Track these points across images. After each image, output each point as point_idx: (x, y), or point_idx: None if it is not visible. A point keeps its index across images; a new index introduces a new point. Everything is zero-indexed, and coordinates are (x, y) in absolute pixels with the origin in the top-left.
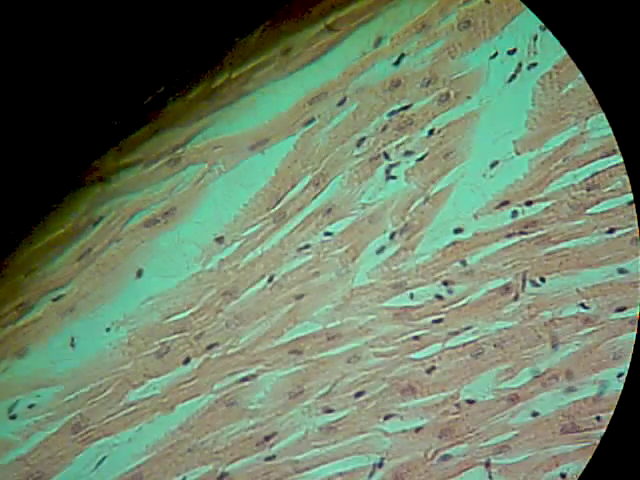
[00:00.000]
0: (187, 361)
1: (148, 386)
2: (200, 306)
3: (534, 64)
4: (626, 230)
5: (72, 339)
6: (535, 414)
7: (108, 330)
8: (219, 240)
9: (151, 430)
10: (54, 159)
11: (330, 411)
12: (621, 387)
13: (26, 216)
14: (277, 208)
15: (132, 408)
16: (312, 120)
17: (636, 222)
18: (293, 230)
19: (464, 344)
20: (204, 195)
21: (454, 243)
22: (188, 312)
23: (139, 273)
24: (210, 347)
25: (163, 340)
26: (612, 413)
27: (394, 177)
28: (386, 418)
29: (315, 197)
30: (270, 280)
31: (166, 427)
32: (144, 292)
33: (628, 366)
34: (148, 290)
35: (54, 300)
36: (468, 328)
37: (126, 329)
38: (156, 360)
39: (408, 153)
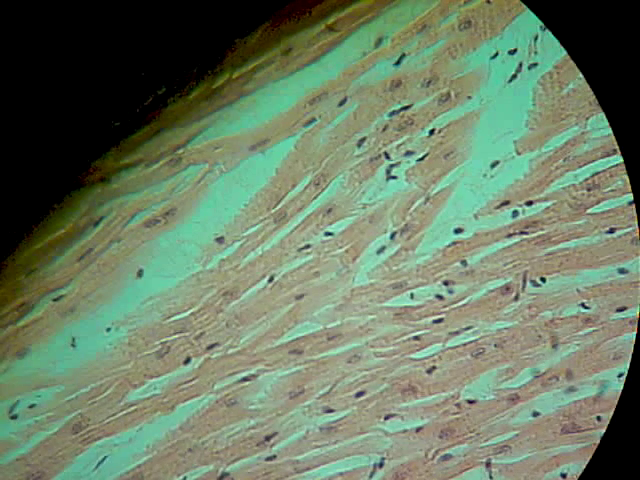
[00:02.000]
0: (188, 361)
1: (148, 386)
2: (200, 306)
3: (535, 64)
4: (626, 230)
5: (73, 339)
6: (535, 414)
7: (109, 330)
8: (219, 240)
9: (151, 430)
10: (54, 159)
11: (331, 411)
12: (621, 387)
13: (26, 216)
14: (277, 208)
15: (132, 408)
16: (313, 120)
17: (636, 222)
18: (293, 230)
19: (464, 344)
20: (204, 195)
21: (454, 243)
22: (188, 312)
23: (140, 273)
24: (210, 347)
25: (163, 340)
26: (612, 413)
27: (395, 177)
28: (387, 418)
29: (316, 197)
30: (270, 280)
31: (166, 427)
32: (144, 292)
33: (628, 366)
34: (149, 290)
35: (55, 300)
36: (468, 328)
37: (126, 329)
38: (156, 360)
39: (409, 153)
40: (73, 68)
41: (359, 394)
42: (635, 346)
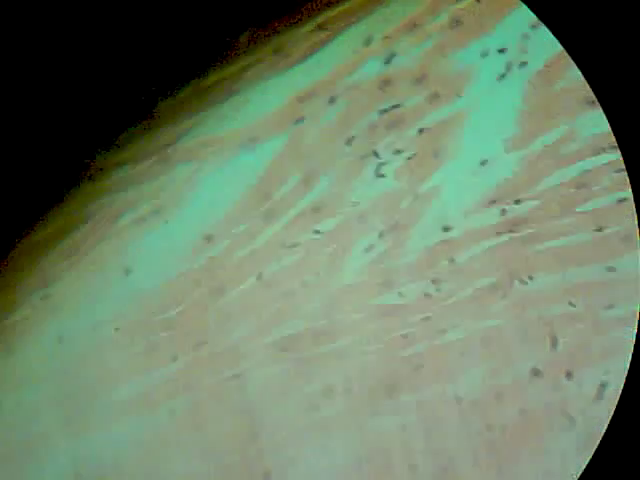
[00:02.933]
0: (175, 359)
1: (136, 384)
2: (188, 304)
3: (524, 63)
4: (616, 229)
5: (60, 337)
6: (530, 412)
7: (96, 328)
8: (208, 238)
9: (139, 428)
10: (45, 159)
11: (319, 409)
12: (621, 387)
13: (16, 215)
14: (266, 207)
15: (119, 406)
16: (302, 119)
17: (634, 220)
18: (282, 228)
19: (452, 341)
20: (193, 194)
21: (443, 241)
22: (176, 310)
23: (127, 271)
24: (198, 345)
25: (151, 338)
26: (612, 413)
27: (383, 175)
28: (375, 415)
29: (304, 195)
30: (259, 278)
31: (154, 425)
32: (132, 290)
33: (626, 365)
34: (136, 288)
35: (42, 298)
36: (456, 326)
37: (114, 327)
38: (144, 358)
39: (398, 151)
40: (63, 68)
41: (347, 392)
42: (635, 346)
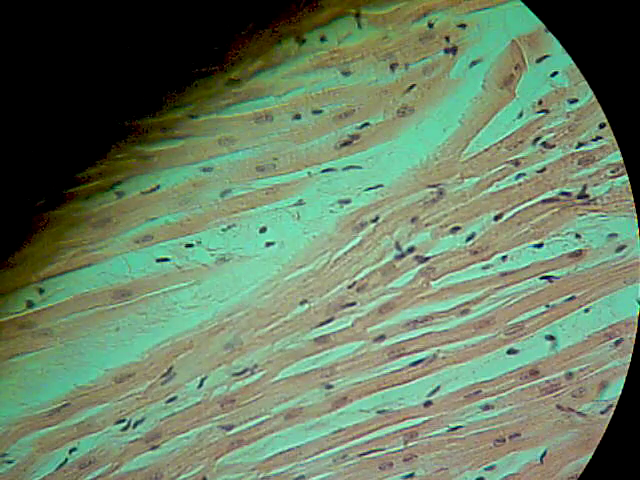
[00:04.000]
0: None
1: None
2: None
3: None
4: None
5: None
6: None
7: None
8: None
9: None
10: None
11: None
12: (621, 387)
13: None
14: None
15: None
16: None
17: (636, 222)
18: None
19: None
20: None
21: None
22: None
23: None
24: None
25: None
26: (612, 413)
27: None
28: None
29: None
30: None
31: None
32: None
33: (628, 366)
34: None
35: None
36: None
37: None
38: None
39: None
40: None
41: None
42: (635, 346)
